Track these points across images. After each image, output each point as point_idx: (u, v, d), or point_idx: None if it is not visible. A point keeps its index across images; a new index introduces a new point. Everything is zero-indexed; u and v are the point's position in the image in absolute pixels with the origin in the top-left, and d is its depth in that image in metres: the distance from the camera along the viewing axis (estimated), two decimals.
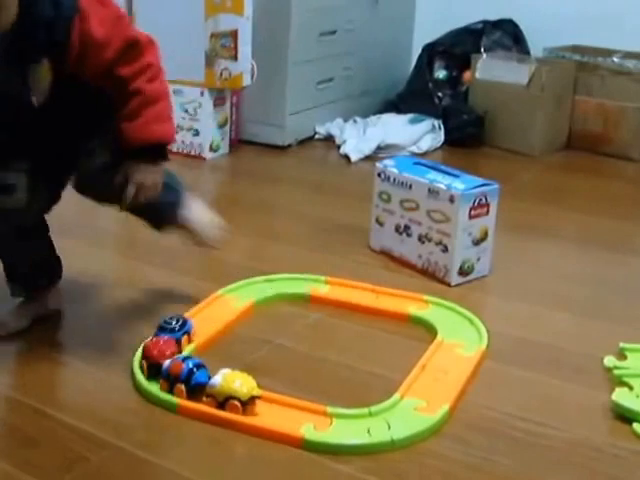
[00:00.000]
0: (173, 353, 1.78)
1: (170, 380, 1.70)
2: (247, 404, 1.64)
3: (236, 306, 2.08)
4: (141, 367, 1.77)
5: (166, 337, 1.83)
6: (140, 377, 1.74)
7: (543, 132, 3.68)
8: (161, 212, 1.95)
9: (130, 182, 1.74)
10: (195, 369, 1.69)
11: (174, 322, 1.89)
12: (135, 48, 1.67)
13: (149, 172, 1.76)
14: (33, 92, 1.66)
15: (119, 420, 1.64)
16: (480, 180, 2.31)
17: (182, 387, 1.68)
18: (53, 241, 1.99)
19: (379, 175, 2.45)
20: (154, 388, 1.71)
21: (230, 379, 1.66)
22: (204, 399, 1.67)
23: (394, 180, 2.40)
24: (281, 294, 2.17)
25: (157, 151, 1.76)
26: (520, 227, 2.78)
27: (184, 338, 1.88)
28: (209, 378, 1.67)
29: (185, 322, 1.91)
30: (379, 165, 2.47)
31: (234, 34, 3.30)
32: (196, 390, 1.68)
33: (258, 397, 1.65)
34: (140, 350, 1.81)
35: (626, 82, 3.62)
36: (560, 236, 2.72)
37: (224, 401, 1.64)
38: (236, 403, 1.63)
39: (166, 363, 1.72)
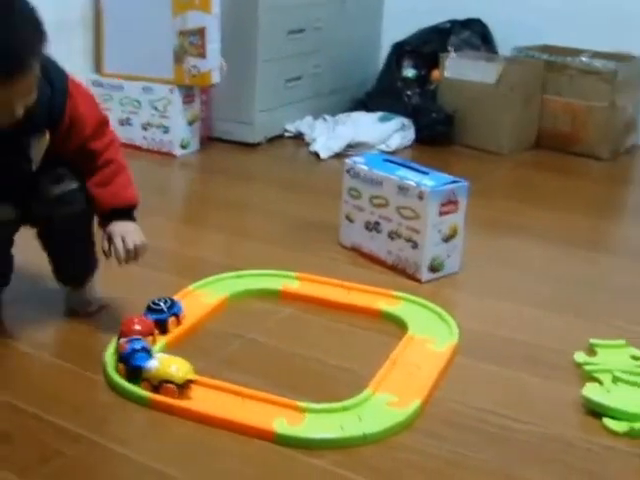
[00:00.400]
0: (142, 333, 1.80)
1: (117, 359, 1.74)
2: (182, 388, 1.66)
3: (207, 301, 2.08)
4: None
5: (146, 317, 1.87)
6: (112, 372, 1.74)
7: (512, 131, 3.70)
8: None
9: (114, 236, 1.87)
10: (137, 352, 1.72)
11: (162, 303, 1.93)
12: (104, 125, 1.91)
13: (126, 226, 1.90)
14: (33, 161, 1.82)
15: (93, 414, 1.64)
16: (449, 177, 2.32)
17: (122, 367, 1.72)
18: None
19: (348, 172, 2.45)
20: (127, 383, 1.70)
21: (166, 363, 1.69)
22: (141, 383, 1.69)
23: (364, 177, 2.40)
24: (252, 290, 2.17)
25: (127, 212, 1.92)
26: (490, 225, 2.79)
27: (171, 320, 1.92)
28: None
29: (173, 304, 1.94)
30: (348, 162, 2.47)
31: (202, 32, 3.29)
32: (135, 372, 1.70)
33: (193, 381, 1.68)
34: (112, 343, 1.81)
35: (594, 82, 3.64)
36: (530, 234, 2.73)
37: (159, 384, 1.67)
38: (171, 387, 1.66)
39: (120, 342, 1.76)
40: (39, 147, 1.82)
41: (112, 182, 1.90)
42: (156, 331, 1.88)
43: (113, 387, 1.72)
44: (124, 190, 1.92)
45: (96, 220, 1.94)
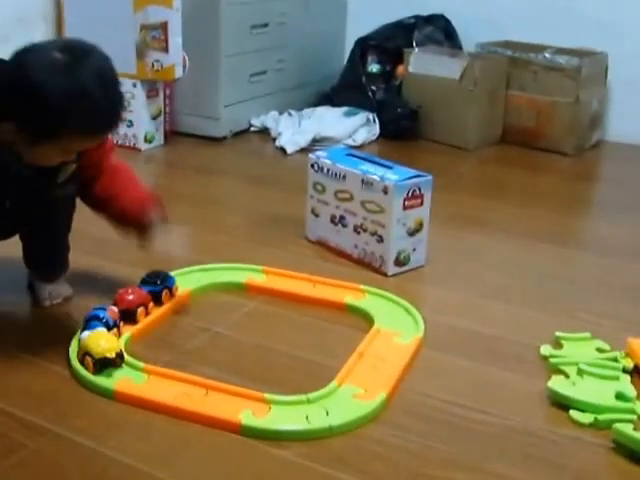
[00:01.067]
0: (134, 302, 1.92)
1: None
2: (100, 364, 1.71)
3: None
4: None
5: (140, 289, 1.97)
6: (77, 364, 1.73)
7: (477, 126, 3.71)
8: None
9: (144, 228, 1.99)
10: (92, 320, 1.80)
11: (156, 277, 2.02)
12: (111, 141, 2.01)
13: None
14: (58, 183, 1.88)
15: (58, 407, 1.62)
16: (414, 171, 2.32)
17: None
18: None
19: (312, 166, 2.45)
20: (92, 376, 1.70)
21: (96, 337, 1.73)
22: None
23: (328, 171, 2.40)
24: (217, 283, 2.17)
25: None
26: (456, 219, 2.79)
27: (165, 292, 2.02)
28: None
29: (167, 277, 2.04)
30: (312, 156, 2.47)
31: (164, 26, 3.28)
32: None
33: (113, 362, 1.72)
34: (78, 336, 1.81)
35: (558, 77, 3.65)
36: (495, 228, 2.74)
37: (82, 357, 1.73)
38: (89, 360, 1.71)
39: None
40: (67, 173, 1.87)
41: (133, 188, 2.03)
42: (151, 304, 1.98)
43: (78, 380, 1.71)
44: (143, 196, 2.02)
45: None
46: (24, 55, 1.66)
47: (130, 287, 1.96)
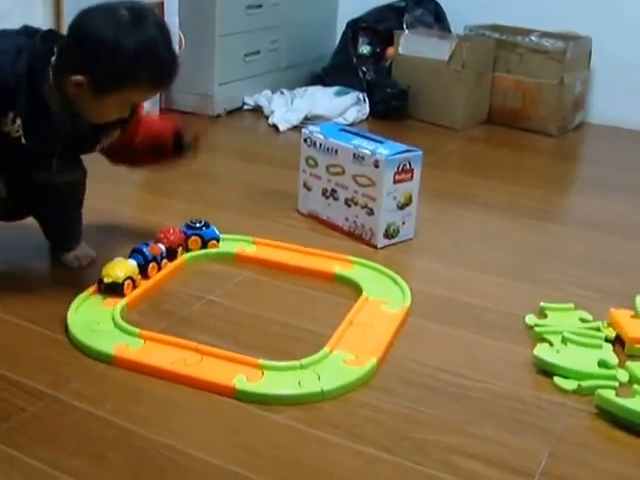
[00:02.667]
0: (172, 242, 2.07)
1: None
2: (106, 288, 1.85)
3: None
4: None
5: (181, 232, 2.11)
6: (75, 330, 1.72)
7: (464, 106, 3.70)
8: None
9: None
10: (135, 253, 1.96)
11: (198, 223, 2.15)
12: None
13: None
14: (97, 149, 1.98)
15: (56, 372, 1.61)
16: (404, 146, 2.31)
17: None
18: None
19: (305, 141, 2.44)
20: (90, 341, 1.69)
21: (116, 265, 1.88)
22: None
23: (320, 146, 2.39)
24: (210, 253, 2.16)
25: None
26: (443, 195, 2.79)
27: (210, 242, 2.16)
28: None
29: (209, 226, 2.17)
30: (305, 131, 2.46)
31: (160, 6, 3.25)
32: None
33: (119, 285, 1.84)
34: (75, 303, 1.81)
35: (543, 60, 3.65)
36: (481, 204, 2.73)
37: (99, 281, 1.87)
38: (99, 285, 1.86)
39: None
40: (109, 139, 1.95)
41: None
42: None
43: (76, 346, 1.70)
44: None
45: None
46: (91, 14, 1.74)
47: (172, 228, 2.09)
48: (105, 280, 1.86)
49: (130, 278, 1.88)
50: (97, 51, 1.70)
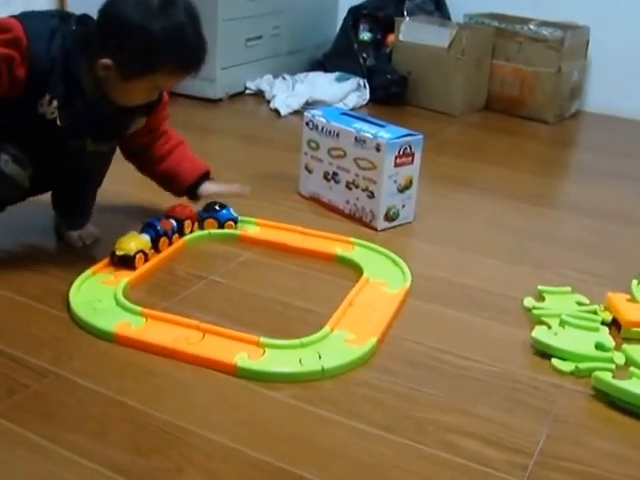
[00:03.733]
0: (181, 214, 2.09)
1: None
2: (117, 261, 1.88)
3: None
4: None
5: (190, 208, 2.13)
6: (77, 308, 1.70)
7: (463, 93, 3.68)
8: None
9: (222, 188, 2.17)
10: (147, 227, 1.98)
11: (216, 206, 2.15)
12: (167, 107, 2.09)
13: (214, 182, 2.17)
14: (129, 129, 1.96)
15: (59, 350, 1.60)
16: (405, 130, 2.29)
17: None
18: None
19: (307, 124, 2.42)
20: (92, 319, 1.67)
21: (130, 238, 1.91)
22: None
23: (322, 129, 2.37)
24: (212, 233, 2.14)
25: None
26: (442, 180, 2.77)
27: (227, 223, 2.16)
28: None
29: (225, 207, 2.16)
30: (307, 114, 2.44)
31: None
32: None
33: (131, 258, 1.87)
34: (77, 281, 1.80)
35: (542, 49, 3.63)
36: (480, 189, 2.72)
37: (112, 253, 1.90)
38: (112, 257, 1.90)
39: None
40: (134, 127, 1.96)
41: (187, 157, 2.12)
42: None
43: (79, 324, 1.68)
44: (198, 160, 2.15)
45: None
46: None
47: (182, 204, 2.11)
48: (117, 253, 1.88)
49: (142, 252, 1.90)
50: (124, 35, 1.70)
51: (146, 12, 1.69)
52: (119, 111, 1.84)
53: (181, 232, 2.06)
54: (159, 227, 1.98)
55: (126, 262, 1.87)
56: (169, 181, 2.11)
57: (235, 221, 2.15)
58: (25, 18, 1.72)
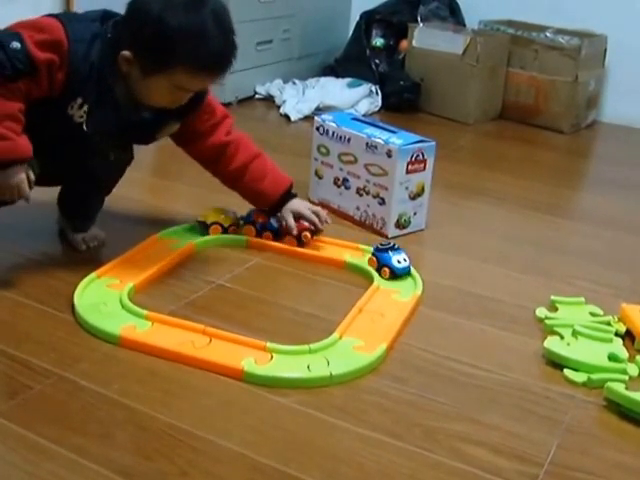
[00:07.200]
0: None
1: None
2: (207, 228, 2.14)
3: (175, 248, 2.06)
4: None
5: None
6: (82, 311, 1.72)
7: (477, 101, 3.70)
8: None
9: (304, 212, 2.17)
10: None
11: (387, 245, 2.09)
12: (228, 117, 2.22)
13: (301, 202, 2.22)
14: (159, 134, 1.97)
15: (63, 352, 1.61)
16: (417, 136, 2.31)
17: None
18: None
19: (318, 129, 2.44)
20: (96, 322, 1.69)
21: (220, 210, 2.18)
22: None
23: (332, 134, 2.39)
24: (220, 238, 2.15)
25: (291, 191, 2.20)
26: (457, 188, 2.79)
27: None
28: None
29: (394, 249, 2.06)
30: (318, 119, 2.46)
31: None
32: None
33: (208, 225, 2.14)
34: (82, 284, 1.81)
35: (558, 57, 3.64)
36: (493, 197, 2.73)
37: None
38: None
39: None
40: (166, 132, 1.98)
41: (267, 173, 2.15)
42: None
43: (83, 326, 1.70)
44: (281, 175, 2.19)
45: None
46: None
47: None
48: (199, 218, 2.15)
49: (219, 224, 2.14)
50: (141, 26, 1.71)
51: (167, 5, 1.69)
52: (149, 118, 1.86)
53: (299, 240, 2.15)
54: (252, 216, 2.18)
55: (203, 227, 2.15)
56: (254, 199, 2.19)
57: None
58: (68, 21, 1.74)
